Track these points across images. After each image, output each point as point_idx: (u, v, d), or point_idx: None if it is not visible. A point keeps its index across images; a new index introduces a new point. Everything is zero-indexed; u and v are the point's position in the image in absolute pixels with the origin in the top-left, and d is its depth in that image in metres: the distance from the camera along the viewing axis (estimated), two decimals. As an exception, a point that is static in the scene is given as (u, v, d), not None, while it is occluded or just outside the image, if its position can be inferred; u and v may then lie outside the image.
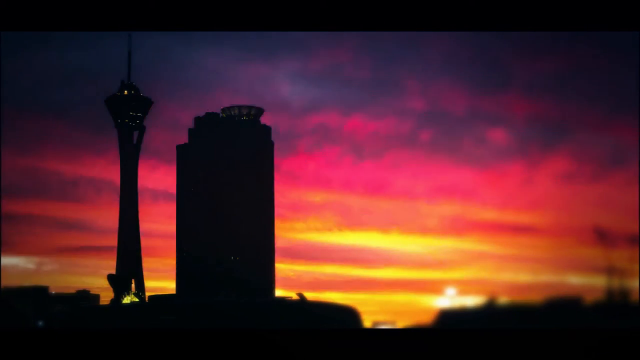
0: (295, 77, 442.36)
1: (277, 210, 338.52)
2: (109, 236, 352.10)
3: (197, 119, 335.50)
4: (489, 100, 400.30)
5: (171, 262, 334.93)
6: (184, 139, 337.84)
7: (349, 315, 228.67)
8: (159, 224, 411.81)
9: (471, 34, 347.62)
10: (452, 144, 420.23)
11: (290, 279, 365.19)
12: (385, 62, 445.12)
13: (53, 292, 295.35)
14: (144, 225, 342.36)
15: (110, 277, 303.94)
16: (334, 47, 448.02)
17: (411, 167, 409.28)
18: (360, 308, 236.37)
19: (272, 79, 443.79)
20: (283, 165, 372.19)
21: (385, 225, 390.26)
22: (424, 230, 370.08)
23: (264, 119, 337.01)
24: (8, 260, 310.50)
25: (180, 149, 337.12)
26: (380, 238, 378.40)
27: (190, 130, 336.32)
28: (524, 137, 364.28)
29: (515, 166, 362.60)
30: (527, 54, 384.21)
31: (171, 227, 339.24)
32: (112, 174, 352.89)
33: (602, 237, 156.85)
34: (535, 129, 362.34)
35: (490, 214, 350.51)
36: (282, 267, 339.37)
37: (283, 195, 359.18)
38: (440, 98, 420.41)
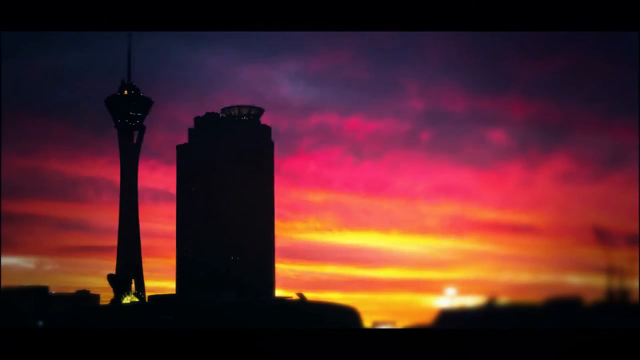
0: (295, 77, 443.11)
1: (277, 210, 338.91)
2: (109, 236, 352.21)
3: (197, 119, 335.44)
4: (488, 101, 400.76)
5: (171, 262, 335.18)
6: (184, 139, 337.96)
7: (349, 315, 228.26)
8: (159, 224, 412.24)
9: (470, 34, 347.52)
10: (451, 145, 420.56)
11: (290, 279, 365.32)
12: (384, 63, 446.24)
13: (53, 292, 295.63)
14: (144, 225, 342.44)
15: (110, 277, 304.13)
16: (334, 47, 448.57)
17: (411, 167, 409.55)
18: (360, 308, 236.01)
19: (272, 79, 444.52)
20: (283, 165, 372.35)
21: (385, 225, 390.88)
22: (423, 230, 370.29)
23: (264, 119, 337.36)
24: (8, 260, 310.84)
25: (180, 149, 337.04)
26: (380, 238, 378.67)
27: (190, 130, 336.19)
28: (523, 138, 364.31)
29: (515, 166, 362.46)
30: (526, 55, 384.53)
31: (171, 227, 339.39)
32: (112, 174, 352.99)
33: (602, 236, 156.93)
34: (535, 130, 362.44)
35: (490, 214, 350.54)
36: (282, 267, 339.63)
37: (283, 195, 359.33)
38: (440, 98, 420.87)
